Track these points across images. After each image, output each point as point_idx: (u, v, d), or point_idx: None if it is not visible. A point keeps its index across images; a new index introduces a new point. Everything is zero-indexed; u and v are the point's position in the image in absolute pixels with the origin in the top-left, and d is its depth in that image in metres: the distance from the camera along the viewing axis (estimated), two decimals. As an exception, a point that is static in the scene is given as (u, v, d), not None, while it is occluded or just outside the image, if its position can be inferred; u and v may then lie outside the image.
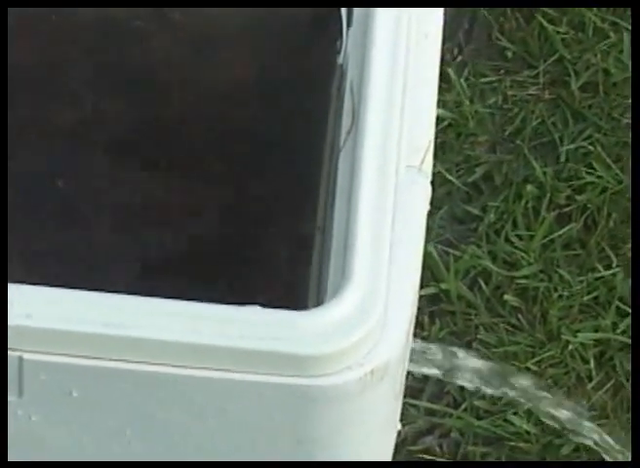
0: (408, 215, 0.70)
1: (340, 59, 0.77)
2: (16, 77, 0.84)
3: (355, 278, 0.66)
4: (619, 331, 1.39)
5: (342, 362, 0.65)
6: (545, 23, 1.57)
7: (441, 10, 0.79)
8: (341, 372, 0.66)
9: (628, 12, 1.57)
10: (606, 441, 1.36)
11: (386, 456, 0.79)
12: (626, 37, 1.54)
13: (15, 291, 0.64)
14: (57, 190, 0.82)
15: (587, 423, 1.37)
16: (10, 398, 0.66)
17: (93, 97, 0.88)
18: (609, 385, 1.37)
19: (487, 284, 1.40)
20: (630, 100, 1.53)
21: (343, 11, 0.77)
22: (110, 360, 0.64)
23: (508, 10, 1.58)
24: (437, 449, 1.34)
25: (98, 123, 0.87)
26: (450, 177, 1.44)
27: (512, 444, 1.33)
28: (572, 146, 1.49)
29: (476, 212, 1.45)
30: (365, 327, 0.65)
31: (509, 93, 1.54)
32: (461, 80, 1.52)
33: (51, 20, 0.90)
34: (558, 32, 1.56)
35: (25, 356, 0.64)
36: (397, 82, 0.73)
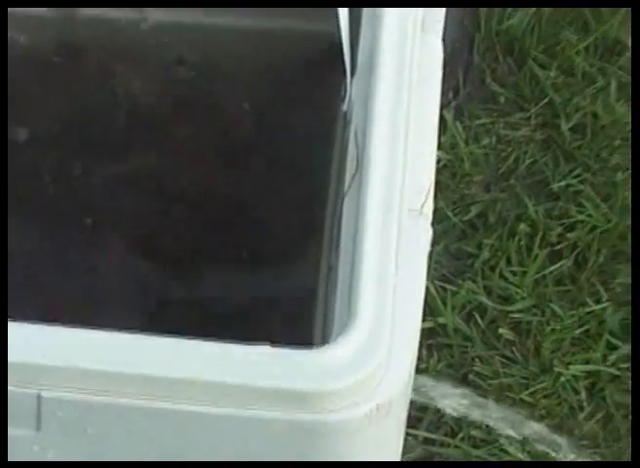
0: (410, 257, 0.71)
1: (344, 107, 0.78)
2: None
3: (360, 318, 0.67)
4: (609, 362, 1.40)
5: (348, 398, 0.66)
6: (536, 68, 1.59)
7: (441, 55, 0.80)
8: (348, 408, 0.66)
9: (615, 57, 1.60)
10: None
11: None
12: (613, 82, 1.57)
13: (34, 329, 0.64)
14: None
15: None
16: (28, 432, 0.67)
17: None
18: (599, 416, 1.37)
19: (482, 318, 1.40)
20: (617, 142, 1.56)
21: (347, 60, 0.78)
22: (125, 397, 0.64)
23: (500, 56, 1.60)
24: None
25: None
26: (448, 213, 1.46)
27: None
28: (562, 184, 1.51)
29: (471, 249, 1.46)
30: (370, 365, 0.65)
31: (502, 134, 1.56)
32: (457, 122, 1.54)
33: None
34: (548, 77, 1.58)
35: (44, 393, 0.65)
36: (399, 128, 0.74)
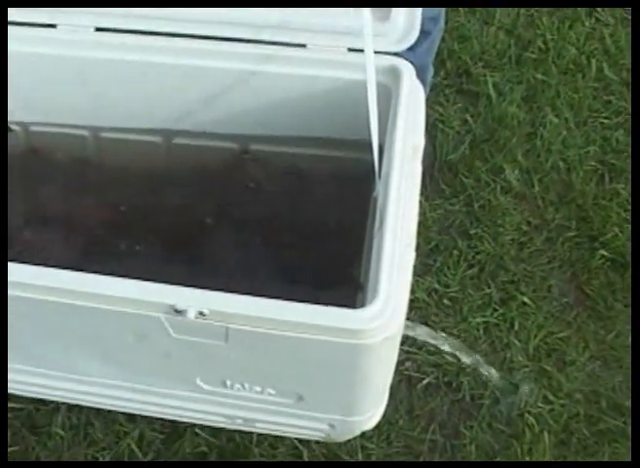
0: (404, 268, 1.28)
1: (375, 194, 1.39)
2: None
3: (378, 298, 1.22)
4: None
5: (373, 333, 1.21)
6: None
7: (419, 166, 1.42)
8: (373, 338, 1.21)
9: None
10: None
11: (390, 376, 1.40)
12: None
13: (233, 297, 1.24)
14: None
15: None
16: (219, 343, 1.26)
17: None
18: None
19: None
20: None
21: (377, 167, 1.38)
22: (274, 330, 1.21)
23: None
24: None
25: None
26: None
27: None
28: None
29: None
30: (383, 318, 1.20)
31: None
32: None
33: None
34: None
35: (230, 326, 1.24)
36: (401, 203, 1.32)
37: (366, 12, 1.36)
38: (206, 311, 1.21)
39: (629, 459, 1.77)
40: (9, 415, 2.00)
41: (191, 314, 1.21)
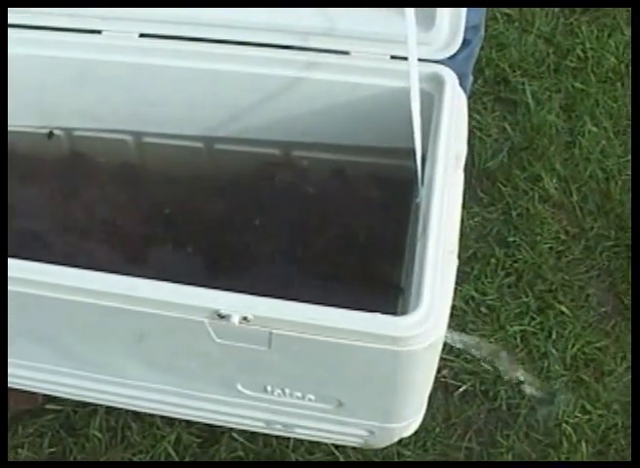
0: (447, 275, 1.26)
1: (417, 200, 1.38)
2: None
3: (422, 303, 1.21)
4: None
5: (417, 340, 1.20)
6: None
7: (462, 174, 1.43)
8: (416, 345, 1.20)
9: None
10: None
11: (431, 383, 1.40)
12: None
13: (272, 302, 1.23)
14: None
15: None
16: (261, 348, 1.26)
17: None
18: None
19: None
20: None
21: (420, 174, 1.38)
22: (314, 336, 1.21)
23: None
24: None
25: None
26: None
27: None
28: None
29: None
30: (428, 324, 1.20)
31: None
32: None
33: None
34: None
35: (273, 331, 1.23)
36: (444, 210, 1.31)
37: (410, 19, 1.35)
38: (250, 316, 1.22)
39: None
40: (48, 417, 2.02)
41: (235, 319, 1.22)
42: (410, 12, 1.35)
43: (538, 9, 2.77)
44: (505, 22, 2.76)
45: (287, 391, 1.43)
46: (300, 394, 1.43)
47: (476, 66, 2.38)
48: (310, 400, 1.45)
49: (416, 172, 1.38)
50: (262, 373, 1.40)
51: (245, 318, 1.22)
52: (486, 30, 2.15)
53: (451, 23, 1.49)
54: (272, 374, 1.39)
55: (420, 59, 1.42)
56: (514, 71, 2.65)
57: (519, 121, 2.52)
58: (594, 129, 2.49)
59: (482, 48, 2.25)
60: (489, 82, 2.62)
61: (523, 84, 2.60)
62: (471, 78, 2.18)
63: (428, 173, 1.36)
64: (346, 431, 1.56)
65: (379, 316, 1.22)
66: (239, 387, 1.46)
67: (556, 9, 2.82)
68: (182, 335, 1.32)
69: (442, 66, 1.50)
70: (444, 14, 1.48)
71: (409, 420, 1.54)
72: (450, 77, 1.49)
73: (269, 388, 1.44)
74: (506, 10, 2.81)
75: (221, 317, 1.23)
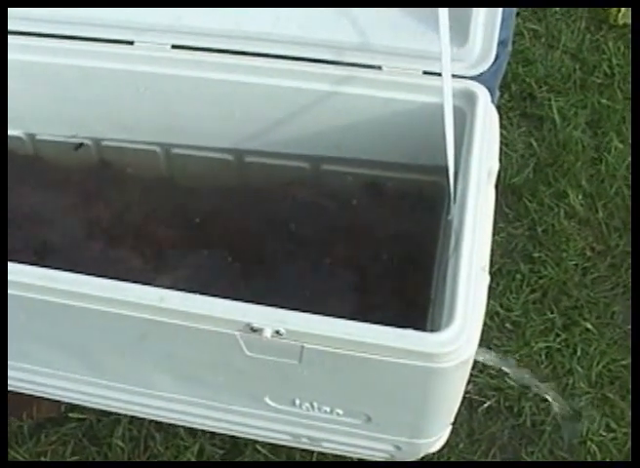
0: (479, 293, 1.26)
1: (450, 217, 1.38)
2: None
3: (455, 320, 1.21)
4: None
5: (448, 357, 1.19)
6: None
7: (493, 190, 1.42)
8: (448, 362, 1.19)
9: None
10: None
11: (459, 399, 1.40)
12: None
13: (305, 317, 1.23)
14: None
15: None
16: (294, 362, 1.25)
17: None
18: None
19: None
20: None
21: (452, 191, 1.38)
22: (348, 351, 1.20)
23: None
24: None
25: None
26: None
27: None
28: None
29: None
30: (460, 341, 1.19)
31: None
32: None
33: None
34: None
35: (305, 345, 1.23)
36: (477, 227, 1.31)
37: (444, 22, 1.34)
38: (282, 330, 1.21)
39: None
40: (71, 425, 2.02)
41: (267, 333, 1.21)
42: (443, 12, 1.34)
43: (564, 25, 2.76)
44: (532, 38, 2.76)
45: (315, 405, 1.43)
46: (328, 408, 1.43)
47: (502, 81, 2.38)
48: (339, 414, 1.44)
49: (447, 188, 1.38)
50: (292, 387, 1.39)
51: (277, 332, 1.21)
52: (513, 45, 2.15)
53: (484, 40, 1.49)
54: (301, 388, 1.39)
55: (452, 75, 1.42)
56: (540, 87, 2.65)
57: (545, 137, 2.51)
58: (620, 145, 2.49)
59: (508, 63, 2.24)
60: (515, 97, 2.62)
61: (549, 100, 2.60)
62: (498, 93, 2.17)
63: (461, 189, 1.35)
64: (373, 446, 1.56)
65: (411, 332, 1.21)
66: (267, 400, 1.46)
67: (582, 25, 2.81)
68: (213, 348, 1.32)
69: (474, 82, 1.50)
70: (477, 31, 1.47)
71: (436, 436, 1.53)
72: (482, 93, 1.49)
73: (298, 402, 1.43)
74: (533, 25, 2.81)
75: (254, 330, 1.22)
